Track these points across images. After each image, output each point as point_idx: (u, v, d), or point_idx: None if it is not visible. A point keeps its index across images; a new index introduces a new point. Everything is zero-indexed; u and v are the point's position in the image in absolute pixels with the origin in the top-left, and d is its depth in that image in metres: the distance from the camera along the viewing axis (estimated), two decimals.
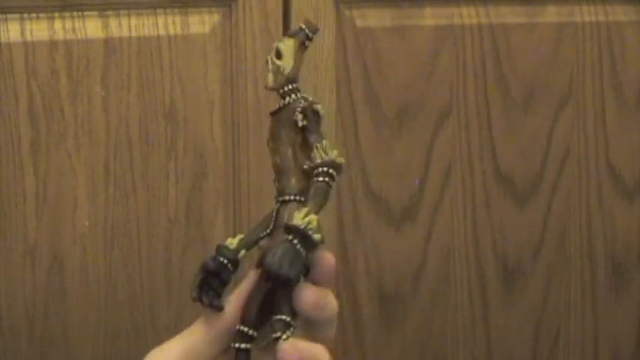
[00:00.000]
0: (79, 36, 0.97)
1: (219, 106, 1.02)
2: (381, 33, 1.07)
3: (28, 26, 0.96)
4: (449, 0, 1.09)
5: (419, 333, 1.13)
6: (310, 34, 0.66)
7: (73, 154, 0.98)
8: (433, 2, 1.08)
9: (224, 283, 0.63)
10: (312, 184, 0.63)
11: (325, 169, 0.63)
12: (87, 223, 0.99)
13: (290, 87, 0.66)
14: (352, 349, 1.11)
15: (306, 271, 0.63)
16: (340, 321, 1.10)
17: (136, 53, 0.99)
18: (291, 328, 0.61)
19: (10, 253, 0.98)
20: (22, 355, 0.99)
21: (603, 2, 1.14)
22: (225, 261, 0.63)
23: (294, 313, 0.61)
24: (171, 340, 0.62)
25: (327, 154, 0.63)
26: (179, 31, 1.00)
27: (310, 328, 0.62)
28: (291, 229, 0.61)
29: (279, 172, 0.65)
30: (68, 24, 0.97)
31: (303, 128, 0.65)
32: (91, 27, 0.97)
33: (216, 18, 1.01)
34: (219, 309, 0.62)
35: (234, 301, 0.63)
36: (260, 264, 0.62)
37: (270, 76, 0.66)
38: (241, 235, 0.65)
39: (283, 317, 0.61)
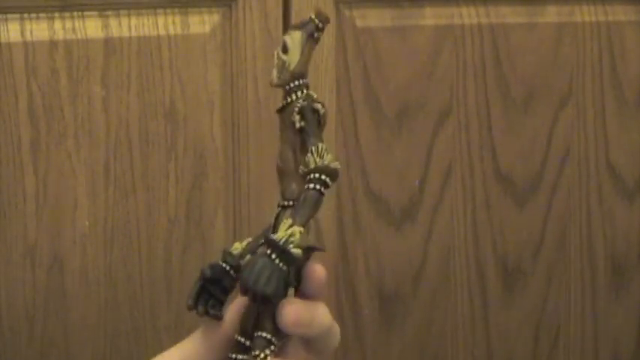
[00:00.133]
0: (79, 36, 0.97)
1: (219, 106, 1.02)
2: (381, 33, 1.07)
3: (28, 26, 0.96)
4: (449, 0, 1.09)
5: (419, 333, 1.13)
6: (321, 25, 0.62)
7: (73, 154, 0.98)
8: (433, 2, 1.08)
9: (226, 291, 0.61)
10: (303, 192, 0.60)
11: (317, 175, 0.60)
12: (87, 223, 0.99)
13: (296, 83, 0.62)
14: (352, 349, 1.11)
15: (298, 284, 0.60)
16: (340, 321, 1.10)
17: (136, 53, 0.99)
18: (272, 347, 0.58)
19: (10, 253, 0.98)
20: (22, 355, 0.99)
21: (603, 2, 1.14)
22: (228, 267, 0.61)
23: (277, 330, 0.59)
24: (172, 348, 0.61)
25: (322, 159, 0.60)
26: (179, 31, 1.00)
27: (307, 343, 0.60)
28: (269, 243, 0.58)
29: (281, 175, 0.62)
30: (68, 24, 0.97)
31: (301, 130, 0.61)
32: (91, 27, 0.97)
33: (216, 18, 1.01)
34: (218, 318, 0.60)
35: (234, 310, 0.61)
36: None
37: (275, 72, 0.62)
38: (249, 239, 0.63)
39: (264, 334, 0.58)
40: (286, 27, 1.02)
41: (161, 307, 1.03)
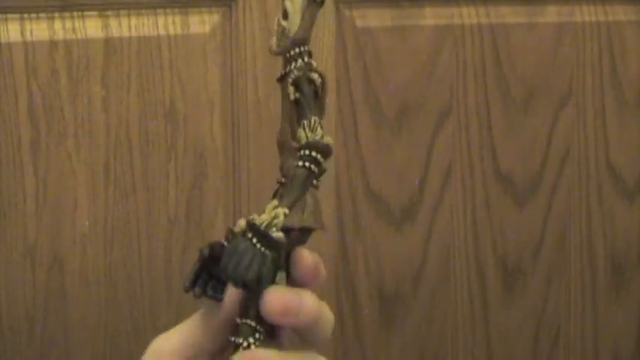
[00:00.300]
0: (79, 36, 0.97)
1: (219, 106, 1.02)
2: (381, 33, 1.07)
3: (28, 26, 0.96)
4: (449, 0, 1.09)
5: (419, 333, 1.13)
6: None
7: (73, 154, 0.98)
8: (433, 2, 1.08)
9: None
10: (293, 170, 0.56)
11: (307, 151, 0.56)
12: (87, 223, 0.99)
13: (296, 50, 0.57)
14: (352, 349, 1.11)
15: (288, 271, 0.57)
16: (340, 321, 1.10)
17: (136, 53, 0.99)
18: (257, 335, 0.55)
19: (10, 253, 0.98)
20: (22, 355, 0.99)
21: (603, 2, 1.14)
22: None
23: (262, 317, 0.55)
24: (171, 330, 0.59)
25: (313, 134, 0.57)
26: (179, 31, 1.00)
27: (298, 333, 0.57)
28: (250, 227, 0.55)
29: (280, 150, 0.58)
30: (68, 24, 0.97)
31: (296, 102, 0.57)
32: (91, 27, 0.97)
33: (216, 18, 1.01)
34: (218, 299, 0.56)
35: (236, 291, 0.57)
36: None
37: (274, 39, 0.58)
38: (255, 215, 0.58)
39: (248, 322, 0.55)
40: None
41: (161, 307, 1.03)
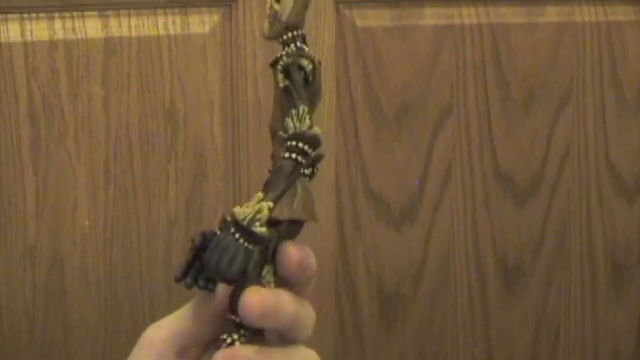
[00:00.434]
0: (79, 36, 0.97)
1: (219, 106, 1.02)
2: (381, 33, 1.07)
3: (28, 26, 0.96)
4: (449, 0, 1.09)
5: (419, 333, 1.13)
6: None
7: (73, 154, 0.98)
8: (433, 2, 1.08)
9: None
10: (279, 161, 0.55)
11: (294, 143, 0.54)
12: (87, 223, 0.99)
13: (289, 35, 0.55)
14: (352, 349, 1.11)
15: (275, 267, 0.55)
16: (340, 321, 1.10)
17: (136, 53, 0.99)
18: (242, 330, 0.54)
19: (10, 253, 0.98)
20: (22, 355, 0.99)
21: (603, 2, 1.14)
22: None
23: None
24: (166, 318, 0.58)
25: (301, 124, 0.55)
26: (179, 31, 1.00)
27: (278, 332, 0.55)
28: (232, 221, 0.53)
29: (272, 137, 0.56)
30: (68, 24, 0.97)
31: (285, 89, 0.55)
32: (91, 27, 0.97)
33: (216, 18, 1.01)
34: (209, 290, 0.55)
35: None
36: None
37: (266, 24, 0.56)
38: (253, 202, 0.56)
39: (233, 317, 0.54)
40: None
41: (161, 307, 1.02)
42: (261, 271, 0.54)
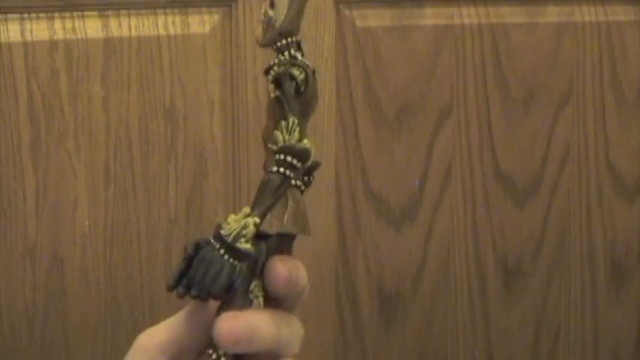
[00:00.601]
0: (79, 36, 0.97)
1: (219, 106, 1.02)
2: (381, 33, 1.07)
3: (28, 26, 0.96)
4: (449, 0, 1.09)
5: (419, 333, 1.13)
6: None
7: (73, 154, 0.98)
8: (433, 2, 1.08)
9: None
10: (266, 174, 0.53)
11: (282, 156, 0.53)
12: (87, 223, 0.99)
13: (283, 42, 0.53)
14: (352, 349, 1.11)
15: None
16: (340, 321, 1.10)
17: (136, 53, 0.99)
18: None
19: (10, 253, 0.98)
20: (22, 355, 0.99)
21: (603, 2, 1.14)
22: None
23: None
24: (160, 325, 0.58)
25: (290, 136, 0.53)
26: (179, 31, 1.00)
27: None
28: (217, 237, 0.52)
29: (265, 147, 0.55)
30: (68, 24, 0.97)
31: (277, 99, 0.53)
32: (91, 27, 0.97)
33: (216, 18, 1.01)
34: (201, 299, 0.54)
35: None
36: None
37: (260, 30, 0.54)
38: (247, 210, 0.55)
39: None
40: None
41: (161, 307, 1.02)
42: (249, 285, 0.53)
